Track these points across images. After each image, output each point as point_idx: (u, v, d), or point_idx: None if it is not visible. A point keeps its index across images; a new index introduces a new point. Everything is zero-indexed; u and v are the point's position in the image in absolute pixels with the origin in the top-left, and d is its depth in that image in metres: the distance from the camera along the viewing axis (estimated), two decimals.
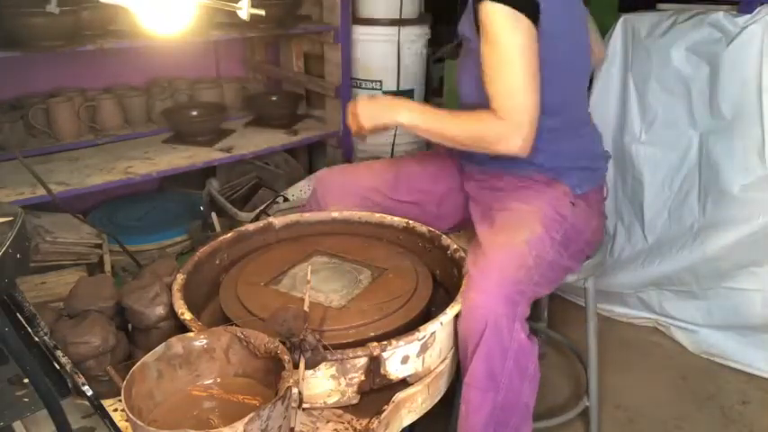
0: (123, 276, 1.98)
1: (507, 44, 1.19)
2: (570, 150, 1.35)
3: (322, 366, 1.00)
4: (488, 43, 1.21)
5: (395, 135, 2.56)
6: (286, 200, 2.20)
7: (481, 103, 1.29)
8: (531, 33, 1.19)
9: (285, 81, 2.71)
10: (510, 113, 1.20)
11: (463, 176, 1.49)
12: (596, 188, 1.41)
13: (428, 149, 2.66)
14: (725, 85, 1.77)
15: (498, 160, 1.36)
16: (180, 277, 1.20)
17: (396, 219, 1.45)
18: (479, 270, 1.16)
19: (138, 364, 0.90)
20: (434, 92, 2.85)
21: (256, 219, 2.07)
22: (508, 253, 1.18)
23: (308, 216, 1.50)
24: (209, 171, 2.33)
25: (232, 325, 1.05)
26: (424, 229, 1.40)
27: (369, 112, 1.34)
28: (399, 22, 2.39)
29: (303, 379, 0.97)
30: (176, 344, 0.95)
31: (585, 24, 1.39)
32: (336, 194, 1.51)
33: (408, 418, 1.09)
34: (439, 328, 1.08)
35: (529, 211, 1.27)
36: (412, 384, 1.08)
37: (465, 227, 1.53)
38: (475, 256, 1.21)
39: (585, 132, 1.41)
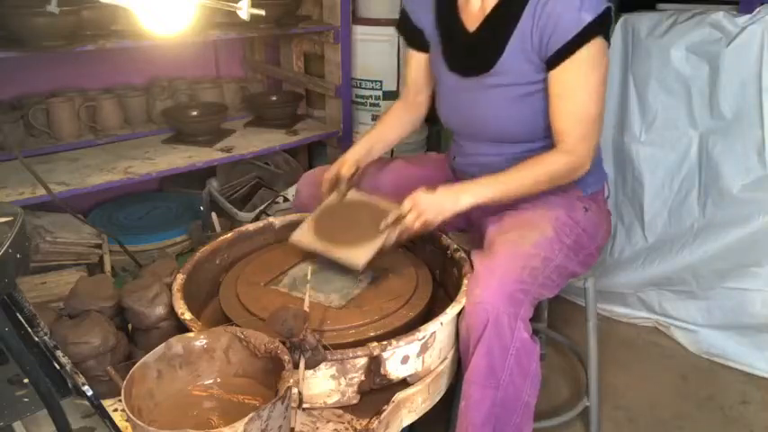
0: (123, 276, 1.98)
1: (594, 79, 1.21)
2: None
3: (322, 366, 1.00)
4: (576, 78, 1.20)
5: None
6: (286, 200, 2.20)
7: (508, 135, 1.32)
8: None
9: (285, 81, 2.71)
10: (579, 144, 1.22)
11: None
12: (601, 189, 1.42)
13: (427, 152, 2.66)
14: (725, 85, 1.77)
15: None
16: (180, 277, 1.20)
17: None
18: (485, 267, 1.16)
19: (138, 364, 0.90)
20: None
21: (256, 219, 2.07)
22: (515, 252, 1.18)
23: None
24: (209, 171, 2.33)
25: (232, 325, 1.05)
26: None
27: (435, 206, 1.20)
28: None
29: (303, 379, 0.97)
30: (176, 344, 0.95)
31: None
32: (321, 197, 1.50)
33: (408, 418, 1.09)
34: (439, 328, 1.08)
35: (541, 215, 1.26)
36: (412, 384, 1.08)
37: (465, 229, 1.52)
38: (482, 253, 1.21)
39: None
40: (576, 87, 1.20)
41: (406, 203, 1.21)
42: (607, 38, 1.20)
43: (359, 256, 1.21)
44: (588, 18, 1.15)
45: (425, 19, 1.41)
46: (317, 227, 1.31)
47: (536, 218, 1.26)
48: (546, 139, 1.30)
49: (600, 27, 1.17)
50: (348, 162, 1.41)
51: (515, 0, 1.23)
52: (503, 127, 1.33)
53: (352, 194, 1.39)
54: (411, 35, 1.46)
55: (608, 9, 1.17)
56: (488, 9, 1.27)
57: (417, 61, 1.49)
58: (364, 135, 1.53)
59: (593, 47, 1.17)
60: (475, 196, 1.21)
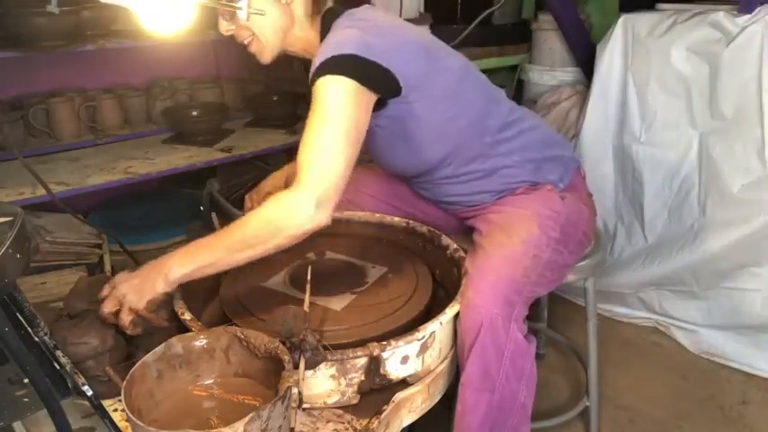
0: None
1: (327, 112, 1.09)
2: (524, 147, 1.33)
3: (322, 366, 1.00)
4: (312, 109, 1.11)
5: None
6: None
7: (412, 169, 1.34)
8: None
9: (285, 81, 2.70)
10: (302, 177, 1.05)
11: (449, 213, 1.48)
12: (575, 174, 1.39)
13: None
14: (725, 85, 1.77)
15: (475, 195, 1.35)
16: None
17: (396, 219, 1.45)
18: (477, 270, 1.16)
19: (139, 364, 0.90)
20: None
21: None
22: (505, 253, 1.18)
23: None
24: (209, 171, 2.33)
25: (232, 325, 1.05)
26: (424, 229, 1.41)
27: (133, 288, 1.06)
28: None
29: (303, 379, 0.97)
30: (176, 344, 0.95)
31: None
32: None
33: (408, 418, 1.09)
34: (438, 328, 1.08)
35: (524, 214, 1.26)
36: (412, 384, 1.08)
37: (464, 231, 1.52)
38: (473, 256, 1.22)
39: (526, 127, 1.36)
40: (311, 119, 1.09)
41: (104, 292, 1.08)
42: (358, 76, 1.10)
43: None
44: (317, 63, 1.12)
45: None
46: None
47: (519, 218, 1.26)
48: (453, 164, 1.31)
49: (338, 67, 1.10)
50: (279, 187, 1.40)
51: None
52: (397, 165, 1.36)
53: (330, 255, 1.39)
54: None
55: (344, 56, 1.11)
56: None
57: None
58: (292, 163, 1.44)
59: (324, 83, 1.10)
60: (183, 268, 1.05)
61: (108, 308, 1.06)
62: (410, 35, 1.26)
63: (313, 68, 1.14)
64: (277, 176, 1.51)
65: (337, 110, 1.09)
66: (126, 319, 1.06)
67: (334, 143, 1.07)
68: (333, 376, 1.02)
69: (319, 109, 1.09)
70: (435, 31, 2.60)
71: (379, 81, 1.14)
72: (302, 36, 1.28)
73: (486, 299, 1.11)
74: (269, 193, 1.36)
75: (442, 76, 1.25)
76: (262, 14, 1.18)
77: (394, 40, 1.21)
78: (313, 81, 1.12)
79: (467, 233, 1.44)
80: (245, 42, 1.26)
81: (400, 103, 1.20)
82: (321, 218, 1.06)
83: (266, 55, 1.27)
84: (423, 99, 1.21)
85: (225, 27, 1.25)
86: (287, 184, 1.43)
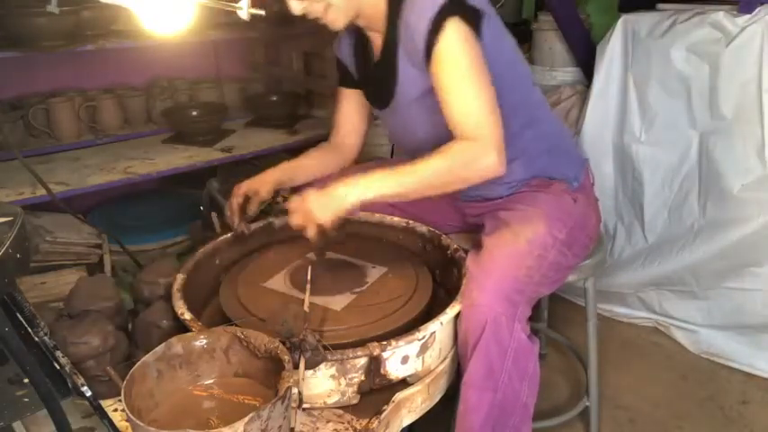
0: (123, 276, 1.98)
1: (466, 61, 1.14)
2: (546, 135, 1.34)
3: (322, 366, 1.00)
4: (448, 66, 1.14)
5: None
6: (285, 199, 2.20)
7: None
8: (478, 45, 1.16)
9: (285, 81, 2.71)
10: (476, 131, 1.13)
11: (456, 210, 1.48)
12: (586, 177, 1.40)
13: None
14: (725, 85, 1.77)
15: (489, 188, 1.34)
16: (180, 277, 1.20)
17: (396, 219, 1.45)
18: (480, 269, 1.16)
19: (138, 364, 0.90)
20: None
21: (256, 219, 2.06)
22: (509, 252, 1.17)
23: None
24: (209, 171, 2.33)
25: (232, 325, 1.05)
26: (424, 228, 1.41)
27: (322, 204, 1.15)
28: None
29: (303, 379, 0.97)
30: (176, 344, 0.95)
31: None
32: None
33: (408, 418, 1.09)
34: (439, 328, 1.08)
35: (532, 212, 1.26)
36: (412, 384, 1.08)
37: (464, 230, 1.52)
38: (477, 254, 1.21)
39: (548, 117, 1.38)
40: (453, 76, 1.14)
41: (295, 204, 1.18)
42: (468, 19, 1.14)
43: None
44: (437, 6, 1.13)
45: (345, 53, 1.43)
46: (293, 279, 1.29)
47: (528, 216, 1.25)
48: None
49: (452, 10, 1.12)
50: (268, 183, 1.41)
51: (391, 24, 1.23)
52: (437, 141, 1.31)
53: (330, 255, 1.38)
54: (342, 72, 1.47)
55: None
56: (380, 42, 1.28)
57: (348, 99, 1.49)
58: (284, 162, 1.50)
59: (451, 31, 1.12)
60: (359, 195, 1.14)
61: (296, 221, 1.18)
62: None
63: (422, 13, 1.13)
64: (268, 173, 1.46)
65: (472, 58, 1.14)
66: (312, 232, 1.17)
67: (487, 97, 1.14)
68: (333, 376, 1.02)
69: (462, 58, 1.13)
70: None
71: (478, 29, 1.17)
72: (372, 3, 1.24)
73: (489, 298, 1.11)
74: (276, 189, 1.42)
75: (506, 44, 1.27)
76: (262, 14, 1.17)
77: None
78: (437, 21, 1.12)
79: (467, 233, 1.44)
80: (318, 16, 1.21)
81: None
82: (499, 168, 1.14)
83: (341, 19, 1.23)
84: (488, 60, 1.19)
85: (298, 7, 1.19)
86: (278, 184, 1.44)
